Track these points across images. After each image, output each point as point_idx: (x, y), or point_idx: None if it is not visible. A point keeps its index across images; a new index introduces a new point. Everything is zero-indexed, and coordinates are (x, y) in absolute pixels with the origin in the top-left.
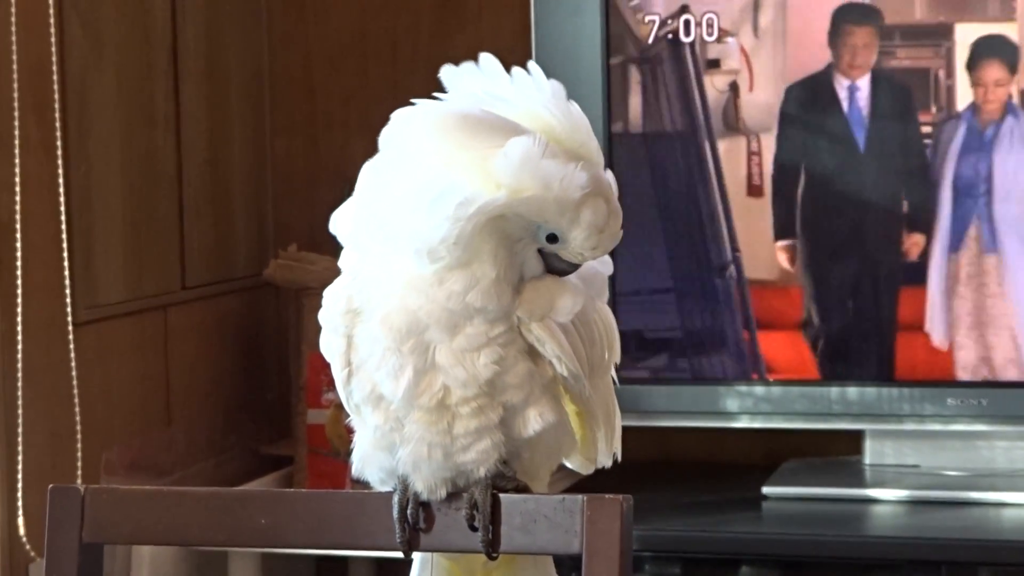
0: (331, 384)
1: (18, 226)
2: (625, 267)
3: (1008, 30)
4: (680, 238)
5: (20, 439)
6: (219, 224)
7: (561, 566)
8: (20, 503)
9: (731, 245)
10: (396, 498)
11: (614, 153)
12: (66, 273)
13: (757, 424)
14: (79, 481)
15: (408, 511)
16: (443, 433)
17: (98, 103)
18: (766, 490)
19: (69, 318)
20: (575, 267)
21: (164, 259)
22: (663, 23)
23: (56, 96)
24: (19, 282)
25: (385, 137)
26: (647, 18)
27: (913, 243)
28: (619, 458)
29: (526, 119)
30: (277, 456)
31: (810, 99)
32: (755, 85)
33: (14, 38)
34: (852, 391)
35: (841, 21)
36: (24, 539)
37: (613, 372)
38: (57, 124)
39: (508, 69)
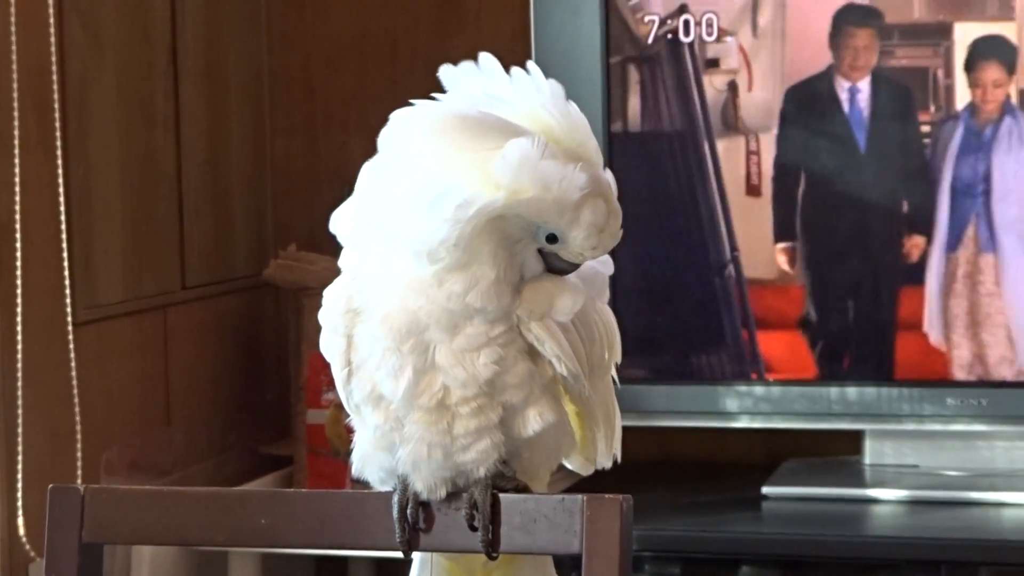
0: (331, 384)
1: (18, 226)
2: (625, 267)
3: (1007, 30)
4: (679, 238)
5: (20, 439)
6: (219, 224)
7: (561, 566)
8: (20, 503)
9: (730, 245)
10: (396, 498)
11: (613, 153)
12: (66, 273)
13: (757, 424)
14: (79, 481)
15: (408, 511)
16: (443, 433)
17: (98, 103)
18: (766, 490)
19: (69, 318)
20: (575, 266)
21: (164, 259)
22: (662, 23)
23: (56, 96)
24: (19, 282)
25: (384, 138)
26: (646, 18)
27: (912, 243)
28: (619, 459)
29: (525, 119)
30: (277, 456)
31: (811, 101)
32: (754, 85)
33: (14, 38)
34: (852, 391)
35: (842, 23)
36: (24, 539)
37: (614, 372)
38: (57, 124)
39: (508, 69)
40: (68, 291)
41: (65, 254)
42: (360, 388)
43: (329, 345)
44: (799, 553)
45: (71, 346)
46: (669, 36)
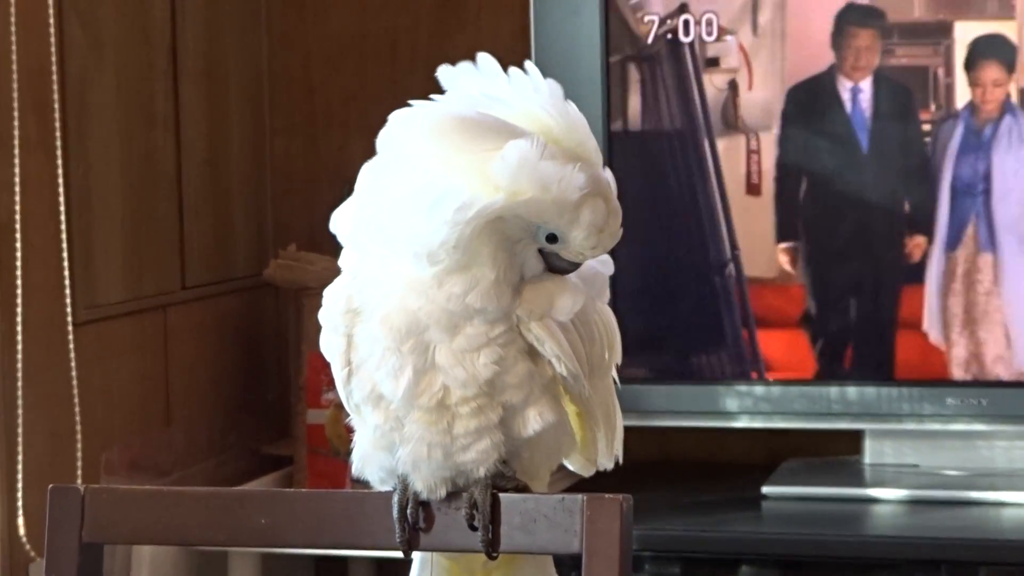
0: (331, 384)
1: (18, 226)
2: (625, 267)
3: (1007, 29)
4: (679, 237)
5: (20, 439)
6: (219, 224)
7: (561, 566)
8: (20, 503)
9: (730, 244)
10: (396, 498)
11: (613, 152)
12: (66, 273)
13: (757, 424)
14: (79, 481)
15: (408, 511)
16: (443, 433)
17: (98, 103)
18: (766, 490)
19: (69, 318)
20: (575, 266)
21: (164, 259)
22: (662, 22)
23: (56, 96)
24: (19, 282)
25: (383, 139)
26: (646, 17)
27: (913, 243)
28: (620, 460)
29: (523, 120)
30: (277, 456)
31: (812, 100)
32: (754, 84)
33: (14, 38)
34: (851, 390)
35: (844, 23)
36: (24, 539)
37: (614, 372)
38: (57, 124)
39: (508, 69)
40: (68, 291)
41: (65, 254)
42: (360, 388)
43: (329, 345)
44: (799, 553)
45: (71, 346)
46: (669, 35)
